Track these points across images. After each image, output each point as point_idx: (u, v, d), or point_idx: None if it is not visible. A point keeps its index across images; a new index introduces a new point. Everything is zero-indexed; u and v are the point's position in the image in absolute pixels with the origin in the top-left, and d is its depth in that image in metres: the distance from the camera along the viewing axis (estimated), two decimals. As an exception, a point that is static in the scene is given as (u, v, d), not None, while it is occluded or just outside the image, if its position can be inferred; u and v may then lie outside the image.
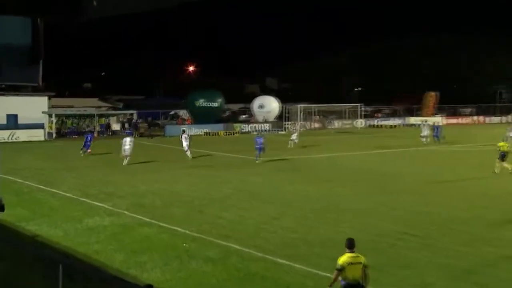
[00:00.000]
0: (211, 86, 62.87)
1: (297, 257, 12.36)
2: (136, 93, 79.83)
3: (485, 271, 11.74)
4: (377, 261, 11.58)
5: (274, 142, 43.09)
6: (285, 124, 54.86)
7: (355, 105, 59.57)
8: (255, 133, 51.89)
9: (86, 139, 33.14)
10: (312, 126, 56.99)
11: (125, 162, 27.60)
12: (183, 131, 34.27)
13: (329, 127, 57.74)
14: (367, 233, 14.38)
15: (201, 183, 22.17)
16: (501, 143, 24.91)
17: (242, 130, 52.85)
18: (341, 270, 8.69)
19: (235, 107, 70.29)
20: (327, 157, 32.16)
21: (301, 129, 42.56)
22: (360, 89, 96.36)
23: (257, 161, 28.60)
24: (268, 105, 57.82)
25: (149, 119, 50.95)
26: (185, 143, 30.89)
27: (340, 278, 8.73)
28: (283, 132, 52.97)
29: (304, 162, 29.47)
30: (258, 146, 29.22)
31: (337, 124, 58.68)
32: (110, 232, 14.50)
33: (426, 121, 46.76)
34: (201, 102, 54.38)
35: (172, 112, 62.23)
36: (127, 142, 28.07)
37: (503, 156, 24.26)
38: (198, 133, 50.07)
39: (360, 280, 8.72)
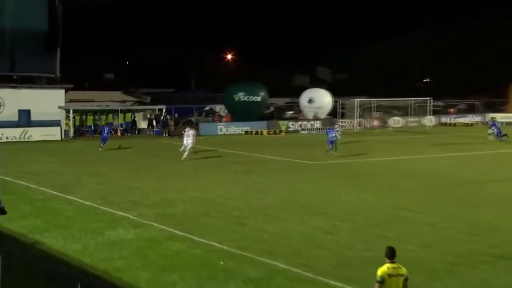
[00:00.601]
0: (253, 77, 63.17)
1: (354, 278, 12.21)
2: (165, 85, 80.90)
3: None
4: (453, 287, 11.32)
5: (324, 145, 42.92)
6: (339, 122, 54.49)
7: (423, 99, 58.76)
8: (303, 132, 52.15)
9: (103, 131, 37.00)
10: (371, 124, 56.45)
11: (184, 156, 31.35)
12: (189, 126, 36.70)
13: (392, 125, 57.08)
14: (441, 252, 14.09)
15: (241, 190, 22.29)
16: None
17: (289, 129, 52.82)
18: (381, 282, 8.82)
19: (281, 101, 70.36)
20: (390, 160, 31.88)
21: (338, 129, 43.69)
22: (429, 80, 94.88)
23: (331, 152, 32.75)
24: (319, 100, 57.64)
25: (176, 115, 51.13)
26: (186, 141, 32.47)
27: None
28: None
29: (362, 167, 29.21)
30: (330, 139, 32.70)
31: (401, 121, 57.97)
32: (135, 247, 14.65)
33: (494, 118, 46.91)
34: (241, 96, 54.63)
35: (207, 108, 62.78)
36: (190, 135, 32.22)
37: None
38: (237, 132, 50.32)
39: None
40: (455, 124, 59.71)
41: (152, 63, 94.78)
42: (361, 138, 45.69)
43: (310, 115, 57.02)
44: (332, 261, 13.46)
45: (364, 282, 11.72)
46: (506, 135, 41.11)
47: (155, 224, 16.82)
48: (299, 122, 54.69)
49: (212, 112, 61.29)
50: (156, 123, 51.28)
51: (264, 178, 25.27)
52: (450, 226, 16.67)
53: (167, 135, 48.13)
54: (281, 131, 51.47)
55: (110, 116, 49.91)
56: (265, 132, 50.67)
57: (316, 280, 12.26)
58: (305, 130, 53.18)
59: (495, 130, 41.75)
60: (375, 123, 57.06)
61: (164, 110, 51.57)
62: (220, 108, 61.18)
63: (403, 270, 8.94)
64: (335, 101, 58.11)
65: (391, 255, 9.02)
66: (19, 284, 10.79)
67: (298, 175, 26.20)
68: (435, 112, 60.85)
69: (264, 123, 52.70)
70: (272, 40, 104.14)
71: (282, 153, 34.74)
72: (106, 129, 37.98)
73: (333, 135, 33.42)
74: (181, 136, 35.27)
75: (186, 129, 33.58)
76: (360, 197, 20.85)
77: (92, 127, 48.94)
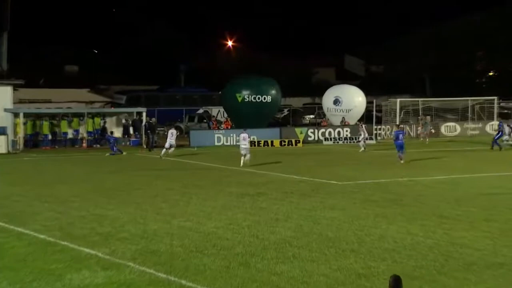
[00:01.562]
0: (261, 71, 63.24)
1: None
2: (146, 81, 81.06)
3: None
4: None
5: (357, 158, 42.94)
6: (375, 129, 54.59)
7: (487, 99, 58.80)
8: (327, 142, 52.19)
9: (109, 141, 45.13)
10: (417, 132, 56.38)
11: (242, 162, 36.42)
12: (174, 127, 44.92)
13: (445, 133, 57.07)
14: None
15: (246, 219, 22.30)
16: None
17: (308, 138, 52.83)
18: None
19: (298, 102, 70.75)
20: (445, 180, 31.90)
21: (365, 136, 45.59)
22: (494, 73, 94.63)
23: (401, 161, 35.98)
24: (349, 100, 57.78)
25: (153, 120, 50.75)
26: (169, 140, 39.95)
27: None
28: (373, 142, 52.65)
29: (408, 189, 29.20)
30: (398, 143, 35.46)
31: (457, 128, 57.94)
32: (106, 295, 14.60)
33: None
34: (245, 96, 54.77)
35: (201, 111, 62.99)
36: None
37: None
38: (238, 143, 50.36)
39: None
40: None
41: (129, 52, 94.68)
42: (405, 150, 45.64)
43: (336, 120, 57.12)
44: (368, 315, 13.37)
45: None
46: None
47: (132, 265, 16.75)
48: (322, 130, 54.77)
49: (207, 117, 61.44)
50: (134, 131, 51.34)
51: (277, 204, 25.30)
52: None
53: (146, 146, 47.99)
54: (298, 141, 51.51)
55: (76, 121, 50.00)
56: (277, 142, 50.68)
57: None
58: (329, 140, 53.26)
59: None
60: (423, 130, 56.97)
61: (144, 114, 51.43)
62: (218, 112, 61.35)
63: None
64: (369, 102, 58.23)
65: (396, 286, 9.62)
66: None
67: (321, 200, 26.21)
68: (504, 116, 60.86)
69: (276, 131, 52.84)
70: (285, 22, 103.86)
71: (300, 170, 34.86)
72: (112, 139, 45.32)
73: (401, 138, 35.81)
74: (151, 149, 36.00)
75: (170, 130, 39.29)
76: (403, 229, 20.74)
77: (49, 136, 49.00)
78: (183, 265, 16.78)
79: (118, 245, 18.82)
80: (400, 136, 36.20)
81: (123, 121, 52.56)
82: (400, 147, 35.97)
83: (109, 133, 48.76)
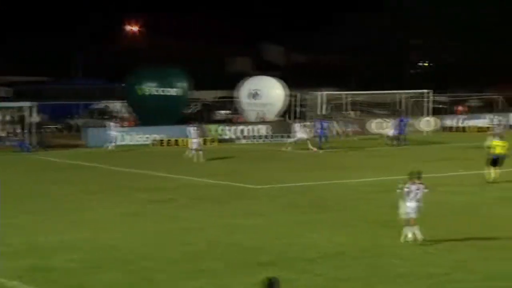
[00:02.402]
0: (169, 60, 62.99)
1: None
2: (35, 72, 79.73)
3: None
4: None
5: (277, 159, 43.24)
6: (296, 126, 54.99)
7: (419, 93, 59.88)
8: (245, 141, 52.28)
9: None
10: (344, 129, 56.94)
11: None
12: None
13: (374, 129, 57.80)
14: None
15: (153, 229, 22.29)
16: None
17: (223, 137, 52.86)
18: None
19: (210, 95, 70.63)
20: (370, 182, 32.37)
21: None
22: (427, 63, 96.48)
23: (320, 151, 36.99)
24: (267, 93, 58.04)
25: (40, 115, 50.00)
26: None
27: None
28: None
29: (332, 192, 29.68)
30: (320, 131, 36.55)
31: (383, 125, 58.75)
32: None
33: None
34: (150, 89, 54.51)
35: (101, 106, 62.38)
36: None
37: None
38: (144, 142, 50.20)
39: None
40: (463, 129, 60.74)
41: (15, 37, 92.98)
42: (330, 148, 46.21)
43: (253, 116, 57.29)
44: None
45: None
46: None
47: (18, 284, 16.54)
48: (238, 127, 54.84)
49: (108, 112, 60.86)
50: (21, 129, 50.45)
51: (188, 211, 25.36)
52: (454, 279, 16.94)
53: (41, 147, 47.33)
54: (212, 141, 51.45)
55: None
56: (187, 141, 50.42)
57: None
58: (247, 138, 53.32)
59: None
60: (350, 127, 57.60)
61: (35, 110, 50.61)
62: (120, 106, 60.85)
63: None
64: (291, 95, 58.59)
65: None
66: None
67: (239, 206, 26.37)
68: (437, 112, 62.07)
69: (184, 129, 52.60)
70: (197, 4, 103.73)
71: (215, 173, 35.00)
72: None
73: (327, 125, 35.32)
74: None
75: None
76: (328, 237, 21.01)
77: None
78: (79, 283, 16.64)
79: (1, 262, 18.46)
80: (325, 125, 36.13)
81: (7, 118, 51.56)
82: (321, 137, 35.79)
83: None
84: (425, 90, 59.32)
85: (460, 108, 68.97)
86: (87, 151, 47.03)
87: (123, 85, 59.21)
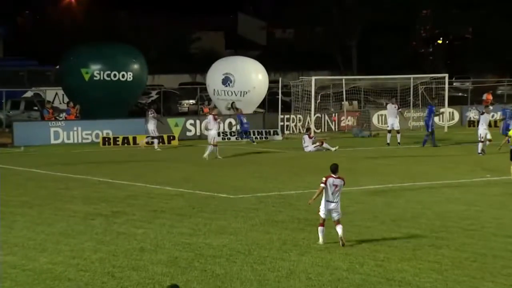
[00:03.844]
0: (118, 36, 62.82)
1: None
2: None
3: None
4: None
5: (256, 161, 43.27)
6: (281, 120, 55.10)
7: (434, 78, 59.98)
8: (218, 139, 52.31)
9: None
10: (340, 123, 57.15)
11: None
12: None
13: (378, 124, 58.06)
14: None
15: (98, 251, 22.25)
16: None
17: (187, 134, 52.91)
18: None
19: (172, 82, 70.57)
20: (377, 190, 32.73)
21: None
22: (443, 40, 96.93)
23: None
24: (244, 79, 57.98)
25: None
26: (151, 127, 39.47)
27: None
28: (279, 138, 53.16)
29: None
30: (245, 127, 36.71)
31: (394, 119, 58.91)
32: None
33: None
34: (95, 72, 54.31)
35: (30, 94, 62.14)
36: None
37: None
38: (88, 140, 50.16)
39: None
40: (496, 124, 60.45)
41: None
42: (323, 150, 46.29)
43: (223, 107, 57.19)
44: None
45: None
46: None
47: None
48: (206, 120, 54.74)
49: (39, 102, 60.59)
50: None
51: (142, 227, 25.38)
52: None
53: None
54: (172, 138, 51.40)
55: None
56: (141, 138, 50.31)
57: None
58: (218, 135, 53.35)
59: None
60: (347, 121, 57.79)
61: None
62: (55, 95, 60.63)
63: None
64: (273, 81, 58.61)
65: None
66: None
67: (206, 221, 26.40)
68: (456, 101, 62.03)
69: (140, 123, 52.51)
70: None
71: (175, 179, 35.21)
72: None
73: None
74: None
75: None
76: (321, 260, 20.91)
77: None
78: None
79: None
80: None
81: None
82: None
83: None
84: (443, 75, 59.28)
85: (487, 96, 68.41)
86: (16, 152, 46.66)
87: (56, 67, 58.80)
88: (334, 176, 22.48)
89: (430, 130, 47.80)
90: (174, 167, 40.62)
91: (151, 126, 46.99)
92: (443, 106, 57.15)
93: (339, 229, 22.19)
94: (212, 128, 43.95)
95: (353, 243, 23.03)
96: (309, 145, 46.74)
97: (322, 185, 22.30)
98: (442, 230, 24.91)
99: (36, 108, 59.74)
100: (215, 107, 53.85)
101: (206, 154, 42.85)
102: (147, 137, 47.67)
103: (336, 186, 22.35)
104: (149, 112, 48.08)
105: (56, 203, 29.76)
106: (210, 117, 44.59)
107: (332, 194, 22.34)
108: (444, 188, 33.31)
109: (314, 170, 36.31)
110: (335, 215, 22.38)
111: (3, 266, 20.48)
